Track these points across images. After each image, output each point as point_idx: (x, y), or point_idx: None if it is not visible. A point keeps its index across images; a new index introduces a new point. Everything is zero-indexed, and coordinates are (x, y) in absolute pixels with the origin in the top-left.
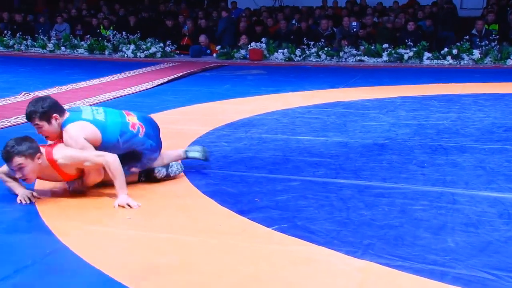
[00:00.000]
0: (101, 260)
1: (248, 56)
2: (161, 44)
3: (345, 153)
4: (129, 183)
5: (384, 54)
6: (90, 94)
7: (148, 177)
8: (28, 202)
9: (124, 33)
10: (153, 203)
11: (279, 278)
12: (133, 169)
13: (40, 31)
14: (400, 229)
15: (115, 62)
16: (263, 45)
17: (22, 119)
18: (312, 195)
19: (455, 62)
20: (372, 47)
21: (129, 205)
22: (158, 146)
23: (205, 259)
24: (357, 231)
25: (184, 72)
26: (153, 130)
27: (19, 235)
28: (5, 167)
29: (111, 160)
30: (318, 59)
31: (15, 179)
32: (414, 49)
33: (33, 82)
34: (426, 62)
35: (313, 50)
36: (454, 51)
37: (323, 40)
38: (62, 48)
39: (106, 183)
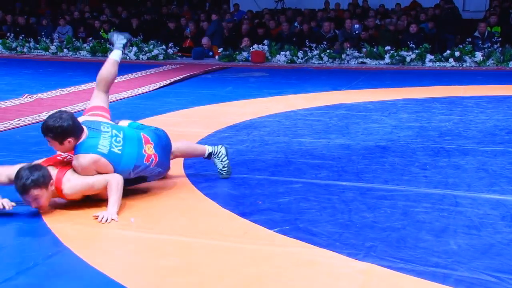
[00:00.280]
0: (103, 262)
1: (250, 58)
2: (164, 46)
3: (347, 155)
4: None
5: (386, 56)
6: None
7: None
8: (1, 207)
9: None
10: (155, 205)
11: (281, 280)
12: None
13: (43, 33)
14: (402, 231)
15: None
16: (265, 47)
17: (24, 121)
18: (314, 197)
19: (458, 65)
20: (374, 50)
21: (113, 219)
22: (166, 170)
23: (207, 261)
24: (359, 233)
25: (186, 74)
26: (165, 155)
27: (21, 237)
28: None
29: (113, 181)
30: (320, 61)
31: None
32: (416, 51)
33: (35, 85)
34: (428, 64)
35: (315, 52)
36: (457, 54)
37: (325, 43)
38: (65, 50)
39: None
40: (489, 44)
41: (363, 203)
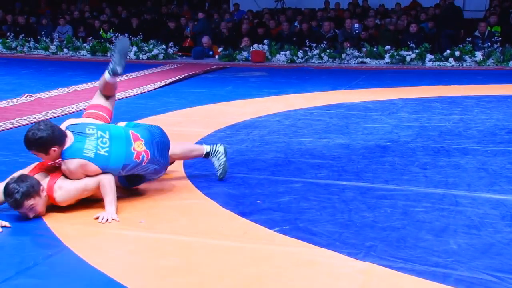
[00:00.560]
0: (103, 261)
1: (250, 58)
2: (163, 46)
3: (347, 155)
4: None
5: (386, 56)
6: (92, 96)
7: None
8: None
9: (126, 35)
10: (155, 205)
11: (281, 280)
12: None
13: (43, 33)
14: (402, 231)
15: None
16: (265, 47)
17: (24, 121)
18: (314, 197)
19: (458, 64)
20: (374, 49)
21: (114, 219)
22: (163, 167)
23: (207, 260)
24: (359, 233)
25: (186, 74)
26: (159, 152)
27: (21, 237)
28: None
29: (105, 180)
30: (320, 61)
31: None
32: (417, 51)
33: (35, 84)
34: (428, 64)
35: (315, 52)
36: (457, 53)
37: (325, 42)
38: (65, 50)
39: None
40: (489, 44)
41: (363, 203)
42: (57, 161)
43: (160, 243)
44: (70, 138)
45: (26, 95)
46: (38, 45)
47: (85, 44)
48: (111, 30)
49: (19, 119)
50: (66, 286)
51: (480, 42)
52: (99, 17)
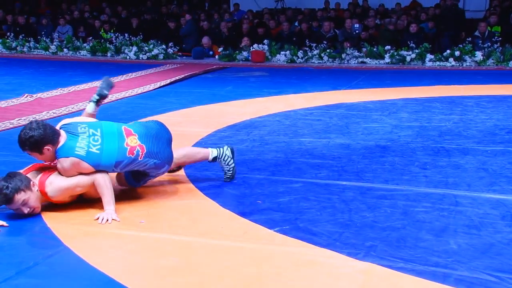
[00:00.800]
0: (103, 261)
1: (250, 58)
2: (163, 46)
3: (347, 155)
4: None
5: (386, 56)
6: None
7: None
8: None
9: (126, 35)
10: (155, 205)
11: (281, 280)
12: (148, 181)
13: (43, 33)
14: (402, 231)
15: (118, 64)
16: (265, 47)
17: (24, 121)
18: (314, 197)
19: (458, 64)
20: (374, 49)
21: (114, 219)
22: (164, 161)
23: (207, 260)
24: (359, 233)
25: (186, 74)
26: (157, 145)
27: (21, 237)
28: None
29: (99, 179)
30: (320, 61)
31: None
32: (417, 51)
33: (35, 84)
34: (428, 64)
35: (315, 52)
36: (457, 53)
37: (325, 42)
38: (65, 50)
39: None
40: (489, 44)
41: (363, 203)
42: (54, 162)
43: (160, 243)
44: (63, 137)
45: (26, 95)
46: (38, 45)
47: (85, 44)
48: (111, 31)
49: (19, 119)
50: (66, 286)
51: (480, 42)
52: (99, 17)
